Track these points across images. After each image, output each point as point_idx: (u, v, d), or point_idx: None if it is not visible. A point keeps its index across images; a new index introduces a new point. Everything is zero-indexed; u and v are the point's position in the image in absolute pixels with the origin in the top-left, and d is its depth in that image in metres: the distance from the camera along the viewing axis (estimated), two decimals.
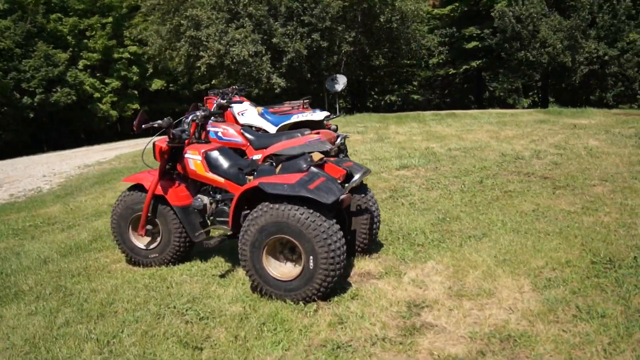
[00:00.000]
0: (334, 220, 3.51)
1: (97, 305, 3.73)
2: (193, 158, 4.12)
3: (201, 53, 19.38)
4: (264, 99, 20.92)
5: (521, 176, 6.61)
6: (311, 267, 3.46)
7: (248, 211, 3.76)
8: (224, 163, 4.08)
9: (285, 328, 3.20)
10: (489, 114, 14.26)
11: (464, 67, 27.00)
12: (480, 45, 25.48)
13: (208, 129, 5.52)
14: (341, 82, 19.96)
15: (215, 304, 3.63)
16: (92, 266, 4.55)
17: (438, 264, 4.02)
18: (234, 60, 19.16)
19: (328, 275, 3.46)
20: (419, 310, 3.34)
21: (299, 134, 5.56)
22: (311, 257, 3.45)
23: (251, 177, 3.95)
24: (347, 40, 21.89)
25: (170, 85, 31.60)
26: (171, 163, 4.26)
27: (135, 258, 4.42)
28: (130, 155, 12.47)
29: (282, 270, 3.63)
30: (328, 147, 5.16)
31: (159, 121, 4.25)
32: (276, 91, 20.65)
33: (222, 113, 6.83)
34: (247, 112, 7.23)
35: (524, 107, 26.48)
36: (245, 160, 4.16)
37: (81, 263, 4.63)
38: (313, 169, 3.76)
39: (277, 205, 3.49)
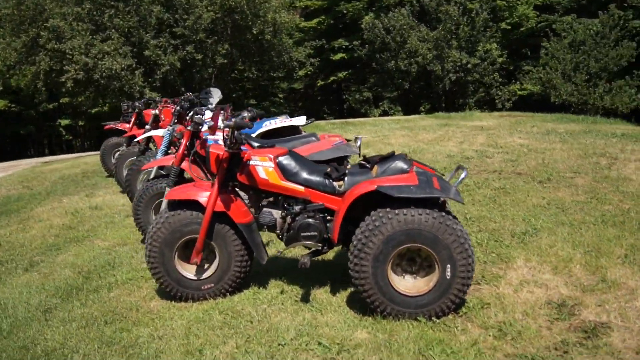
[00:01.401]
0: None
1: (188, 357, 2.95)
2: (263, 165, 3.48)
3: (66, 67, 17.46)
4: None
5: (495, 174, 6.74)
6: (448, 277, 3.08)
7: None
8: (303, 169, 3.51)
9: (453, 349, 2.78)
10: (385, 121, 14.63)
11: (332, 78, 27.69)
12: (346, 57, 26.31)
13: (204, 137, 4.84)
14: (215, 95, 19.23)
15: (334, 332, 3.07)
16: (121, 308, 3.64)
17: (529, 261, 3.84)
18: (104, 74, 17.61)
19: (465, 284, 3.11)
20: (572, 309, 3.12)
21: (314, 138, 5.10)
22: (448, 266, 3.07)
23: (341, 183, 3.44)
24: (220, 53, 21.32)
25: (12, 105, 28.02)
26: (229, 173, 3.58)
27: (182, 292, 3.62)
28: (7, 179, 10.58)
29: (405, 284, 3.19)
30: (356, 150, 4.80)
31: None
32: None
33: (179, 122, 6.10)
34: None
35: (375, 117, 27.81)
36: (323, 166, 3.62)
37: (102, 307, 3.69)
38: (416, 168, 3.38)
39: (404, 211, 3.06)
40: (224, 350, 2.97)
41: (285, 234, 3.54)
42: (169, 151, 5.92)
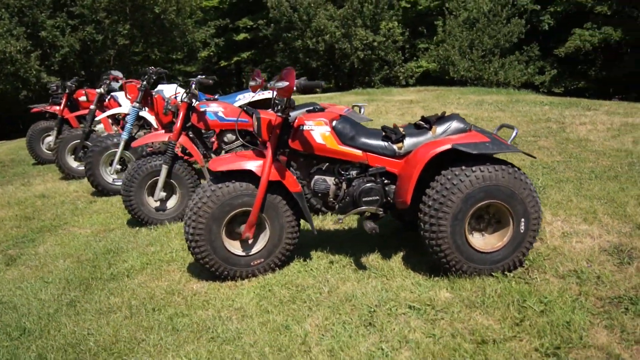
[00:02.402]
0: None
1: (276, 334, 2.73)
2: (319, 130, 3.27)
3: None
4: (38, 101, 17.88)
5: None
6: (522, 231, 3.10)
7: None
8: (359, 133, 3.34)
9: (548, 299, 2.80)
10: (308, 99, 14.53)
11: (235, 59, 27.09)
12: (249, 37, 25.82)
13: (202, 109, 4.53)
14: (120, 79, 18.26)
15: (415, 295, 2.98)
16: (159, 293, 3.29)
17: (556, 215, 3.96)
18: None
19: (534, 236, 3.16)
20: (630, 253, 3.24)
21: (313, 108, 4.91)
22: (523, 220, 3.09)
23: (400, 145, 3.33)
24: (122, 33, 20.10)
25: None
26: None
27: (229, 270, 3.33)
28: None
29: (478, 242, 3.17)
30: (367, 117, 4.71)
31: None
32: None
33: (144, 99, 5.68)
34: (180, 97, 6.06)
35: None
36: (375, 129, 3.47)
37: (135, 294, 3.31)
38: (473, 126, 3.37)
39: (481, 167, 3.03)
40: (313, 323, 2.79)
41: (341, 200, 3.38)
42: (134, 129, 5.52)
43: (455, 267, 3.10)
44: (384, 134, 3.37)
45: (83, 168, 6.96)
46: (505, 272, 3.14)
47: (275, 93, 3.15)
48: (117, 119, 7.38)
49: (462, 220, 3.03)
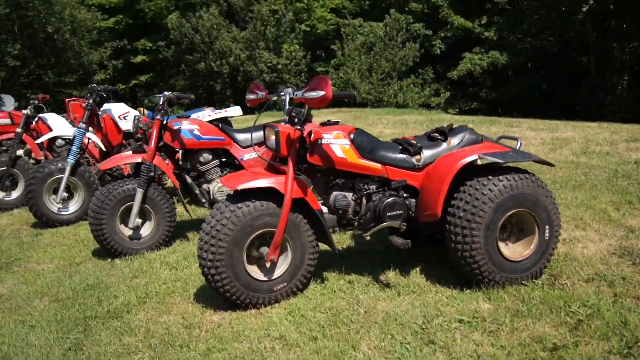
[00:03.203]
0: None
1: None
2: (339, 143, 3.15)
3: None
4: None
5: None
6: (547, 238, 3.19)
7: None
8: (377, 146, 3.27)
9: (591, 303, 2.86)
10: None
11: (133, 81, 26.03)
12: (147, 59, 24.98)
13: (176, 127, 4.28)
14: (8, 102, 16.90)
15: (459, 308, 2.95)
16: (175, 329, 2.98)
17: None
18: None
19: (556, 242, 3.27)
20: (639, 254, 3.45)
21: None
22: (547, 227, 3.18)
23: (418, 157, 3.31)
24: (12, 54, 18.68)
25: None
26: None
27: (251, 298, 3.09)
28: None
29: (506, 251, 3.20)
30: None
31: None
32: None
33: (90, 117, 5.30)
34: (131, 116, 5.68)
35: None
36: (390, 142, 3.41)
37: (148, 332, 2.98)
38: (484, 137, 3.44)
39: (507, 176, 3.09)
40: (370, 345, 2.65)
41: (362, 217, 3.28)
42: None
43: (488, 278, 3.10)
44: (400, 146, 3.33)
45: (9, 198, 6.32)
46: (533, 280, 3.19)
47: (305, 105, 3.00)
48: (49, 144, 6.74)
49: (494, 230, 3.05)
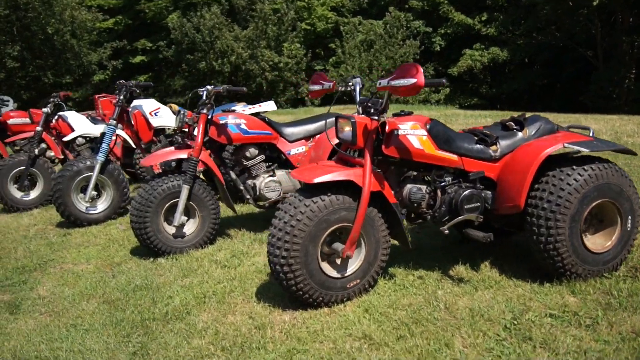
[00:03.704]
0: None
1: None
2: (416, 134, 3.00)
3: None
4: None
5: None
6: (629, 229, 3.06)
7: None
8: (452, 136, 3.13)
9: None
10: None
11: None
12: (146, 60, 24.72)
13: (222, 121, 4.11)
14: (9, 103, 16.75)
15: (545, 303, 2.81)
16: (247, 330, 2.81)
17: None
18: None
19: (637, 234, 3.14)
20: None
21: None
22: (629, 217, 3.05)
23: (495, 148, 3.17)
24: (11, 55, 18.41)
25: None
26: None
27: (324, 296, 2.93)
28: None
29: (588, 243, 3.06)
30: None
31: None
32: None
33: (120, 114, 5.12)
34: (162, 112, 5.50)
35: None
36: (463, 133, 3.27)
37: (218, 336, 2.81)
38: (560, 127, 3.31)
39: (592, 166, 2.95)
40: (464, 343, 2.51)
41: (436, 210, 3.13)
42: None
43: (571, 271, 2.96)
44: (475, 137, 3.19)
45: (27, 198, 6.13)
46: (613, 272, 3.06)
47: (390, 93, 2.84)
48: (68, 144, 6.55)
49: (578, 221, 2.91)
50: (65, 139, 5.86)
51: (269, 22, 21.86)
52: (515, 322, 2.64)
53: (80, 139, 6.58)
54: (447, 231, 3.08)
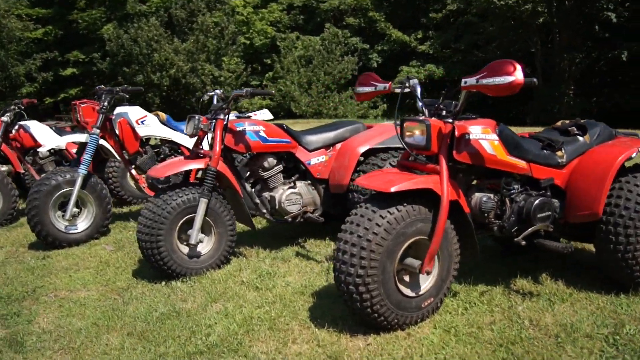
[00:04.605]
0: None
1: None
2: (488, 139, 2.78)
3: None
4: None
5: None
6: None
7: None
8: (521, 142, 2.93)
9: None
10: None
11: (62, 95, 24.37)
12: (77, 72, 23.50)
13: (239, 128, 3.78)
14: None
15: (627, 315, 2.68)
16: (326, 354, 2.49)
17: None
18: None
19: None
20: None
21: (361, 126, 4.36)
22: None
23: (561, 154, 3.02)
24: None
25: None
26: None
27: (400, 317, 2.64)
28: None
29: None
30: None
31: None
32: None
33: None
34: (149, 120, 5.03)
35: None
36: (528, 138, 3.09)
37: None
38: (617, 132, 3.23)
39: None
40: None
41: (507, 220, 2.93)
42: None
43: None
44: (540, 142, 3.03)
45: None
46: None
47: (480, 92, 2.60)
48: (32, 157, 5.91)
49: None
50: (41, 149, 5.24)
51: (209, 35, 21.32)
52: (617, 337, 2.46)
53: (43, 151, 5.95)
54: (524, 242, 2.88)
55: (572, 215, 2.95)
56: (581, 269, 3.33)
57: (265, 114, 5.38)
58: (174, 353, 2.65)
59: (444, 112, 2.72)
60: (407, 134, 2.75)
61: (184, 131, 3.92)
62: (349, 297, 2.58)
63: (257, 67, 29.25)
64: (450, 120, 2.69)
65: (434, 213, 2.65)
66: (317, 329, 2.78)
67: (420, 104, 2.84)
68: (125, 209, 6.04)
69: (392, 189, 2.52)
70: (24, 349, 2.87)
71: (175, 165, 3.66)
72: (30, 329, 3.10)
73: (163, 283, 3.62)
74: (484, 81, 2.47)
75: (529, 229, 2.88)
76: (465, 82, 2.56)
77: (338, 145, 4.13)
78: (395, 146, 4.02)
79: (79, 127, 5.04)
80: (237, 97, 3.72)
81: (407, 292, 2.68)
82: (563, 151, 3.00)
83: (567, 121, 3.31)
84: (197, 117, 3.72)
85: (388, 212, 2.56)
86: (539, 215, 2.87)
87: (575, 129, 3.11)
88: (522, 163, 2.89)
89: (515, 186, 2.94)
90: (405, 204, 2.59)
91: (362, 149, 3.96)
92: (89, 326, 3.07)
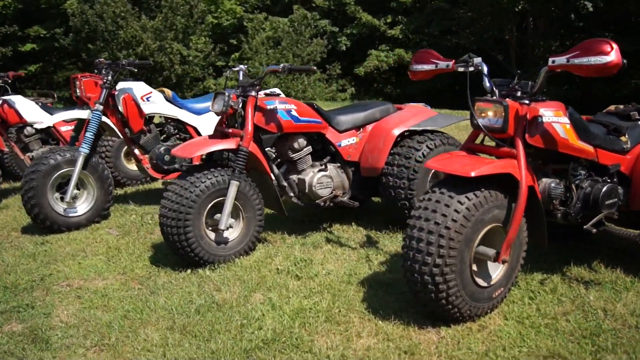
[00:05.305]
0: None
1: None
2: (561, 122, 2.63)
3: None
4: None
5: None
6: None
7: None
8: (588, 126, 2.81)
9: None
10: None
11: (21, 71, 23.04)
12: (37, 48, 22.38)
13: (270, 106, 3.54)
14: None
15: None
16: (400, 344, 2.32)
17: None
18: None
19: None
20: None
21: (389, 107, 4.14)
22: None
23: (624, 139, 2.91)
24: None
25: None
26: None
27: (473, 308, 2.49)
28: None
29: None
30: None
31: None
32: None
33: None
34: (154, 97, 4.69)
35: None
36: (592, 123, 2.96)
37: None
38: None
39: None
40: None
41: (573, 206, 2.80)
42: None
43: None
44: (605, 127, 2.91)
45: None
46: None
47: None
48: (20, 136, 5.47)
49: None
50: (38, 126, 4.82)
51: (177, 13, 20.57)
52: None
53: (29, 128, 5.52)
54: (594, 230, 2.76)
55: (637, 203, 2.85)
56: (625, 256, 3.24)
57: (275, 92, 5.11)
58: (229, 350, 2.42)
59: (518, 93, 2.55)
60: (481, 114, 2.57)
61: (210, 108, 3.62)
62: (422, 287, 2.40)
63: (224, 48, 28.53)
64: (527, 102, 2.52)
65: (509, 199, 2.49)
66: (379, 321, 2.60)
67: (488, 84, 2.66)
68: (120, 191, 5.69)
69: (473, 174, 2.35)
70: (50, 346, 2.58)
71: (204, 145, 3.38)
72: (50, 323, 2.80)
73: (188, 271, 3.35)
74: (577, 60, 2.31)
75: (597, 217, 2.76)
76: (554, 61, 2.39)
77: (368, 127, 3.92)
78: (430, 128, 3.86)
79: (78, 103, 4.66)
80: (273, 72, 3.46)
81: (480, 282, 2.52)
82: (627, 136, 2.89)
83: (622, 106, 3.19)
84: (227, 94, 3.44)
85: (467, 197, 2.38)
86: (606, 202, 2.76)
87: (637, 113, 3.00)
88: (590, 148, 2.76)
89: (582, 172, 2.81)
90: (482, 190, 2.42)
91: (398, 131, 3.77)
92: (120, 319, 2.80)
